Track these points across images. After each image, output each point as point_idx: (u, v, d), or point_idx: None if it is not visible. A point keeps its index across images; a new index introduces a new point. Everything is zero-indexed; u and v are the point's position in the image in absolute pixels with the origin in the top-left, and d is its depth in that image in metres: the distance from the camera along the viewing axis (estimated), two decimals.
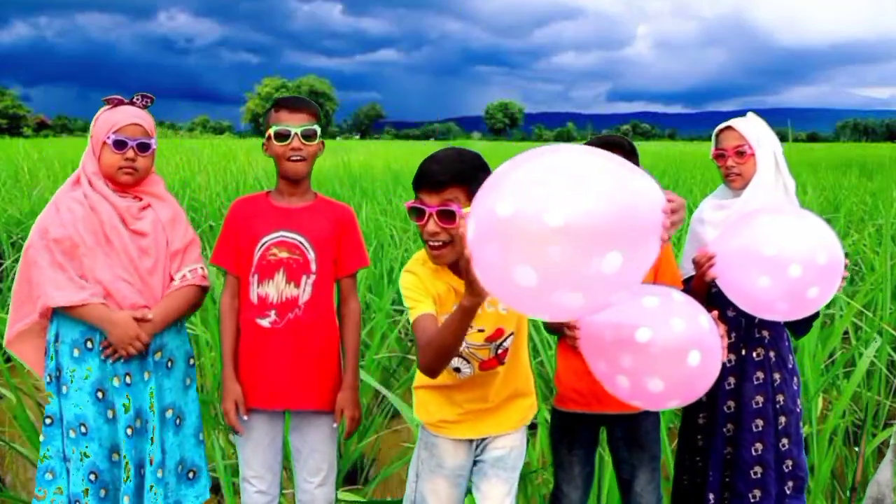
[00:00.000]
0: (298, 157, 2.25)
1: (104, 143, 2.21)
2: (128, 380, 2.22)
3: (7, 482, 3.59)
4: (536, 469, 3.03)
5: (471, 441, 2.09)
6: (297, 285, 2.25)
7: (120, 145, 2.20)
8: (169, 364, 2.30)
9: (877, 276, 4.94)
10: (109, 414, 2.21)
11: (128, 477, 2.20)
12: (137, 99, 2.28)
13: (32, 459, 3.26)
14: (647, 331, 1.87)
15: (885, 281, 4.49)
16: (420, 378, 2.11)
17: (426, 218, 1.84)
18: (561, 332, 2.20)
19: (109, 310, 2.17)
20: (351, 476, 3.60)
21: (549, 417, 2.50)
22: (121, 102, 2.26)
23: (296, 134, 2.23)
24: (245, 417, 2.26)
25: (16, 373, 3.63)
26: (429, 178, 1.84)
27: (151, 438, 2.23)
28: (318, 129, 2.29)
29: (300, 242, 2.26)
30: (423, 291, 1.92)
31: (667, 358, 1.87)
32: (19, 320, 2.29)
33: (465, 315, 1.62)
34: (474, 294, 1.51)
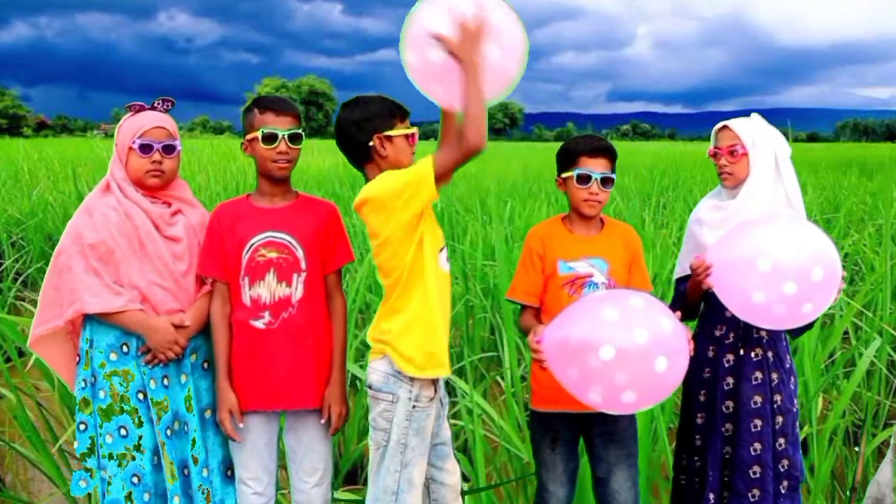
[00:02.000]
0: (285, 161, 2.25)
1: (130, 147, 2.23)
2: (165, 382, 2.25)
3: (7, 482, 3.59)
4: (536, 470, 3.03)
5: (440, 399, 2.21)
6: (289, 284, 2.25)
7: (146, 149, 2.22)
8: (205, 365, 2.33)
9: (877, 276, 4.94)
10: (151, 415, 2.23)
11: (174, 477, 2.24)
12: (158, 103, 2.31)
13: (32, 459, 3.27)
14: (610, 348, 1.85)
15: (885, 281, 4.49)
16: (402, 315, 2.12)
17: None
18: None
19: (148, 315, 2.19)
20: (351, 476, 3.61)
21: None
22: (143, 108, 2.29)
23: (283, 137, 2.23)
24: (241, 425, 2.27)
25: (16, 373, 3.63)
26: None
27: (193, 440, 2.27)
28: (303, 132, 2.31)
29: (288, 242, 2.26)
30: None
31: (634, 370, 1.86)
32: (42, 324, 2.30)
33: (476, 70, 1.96)
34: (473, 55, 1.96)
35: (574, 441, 2.39)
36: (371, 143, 2.11)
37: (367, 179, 2.16)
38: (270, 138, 2.22)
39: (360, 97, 2.19)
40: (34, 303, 5.68)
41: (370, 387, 2.14)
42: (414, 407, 2.10)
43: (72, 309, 2.19)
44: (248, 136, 2.25)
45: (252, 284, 2.25)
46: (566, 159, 2.33)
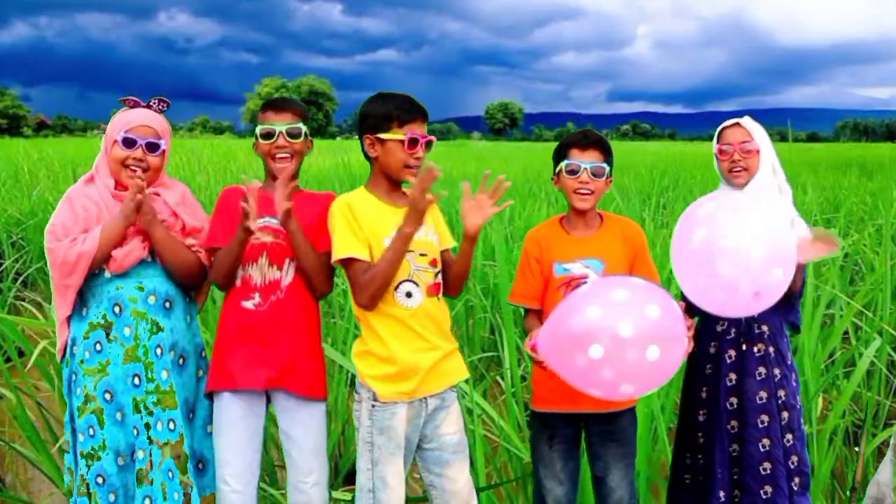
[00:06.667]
0: (284, 155, 2.30)
1: (115, 141, 2.26)
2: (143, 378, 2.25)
3: (7, 482, 3.59)
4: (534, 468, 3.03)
5: (420, 404, 2.18)
6: (280, 268, 2.29)
7: (129, 143, 2.25)
8: (181, 361, 2.34)
9: (877, 276, 4.94)
10: (118, 416, 2.22)
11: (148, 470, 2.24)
12: (154, 102, 2.34)
13: (32, 459, 3.27)
14: (598, 347, 1.85)
15: (885, 281, 4.49)
16: (365, 341, 2.18)
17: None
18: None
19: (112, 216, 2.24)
20: (351, 476, 3.60)
21: None
22: (137, 104, 2.32)
23: (280, 132, 2.29)
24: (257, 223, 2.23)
25: (16, 373, 3.63)
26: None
27: (181, 434, 2.28)
28: (304, 128, 2.34)
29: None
30: (358, 235, 2.14)
31: (625, 364, 1.86)
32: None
33: (405, 241, 2.04)
34: (416, 222, 2.01)
35: (574, 440, 2.39)
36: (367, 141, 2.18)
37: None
38: (268, 135, 2.30)
39: (383, 93, 2.23)
40: (34, 303, 5.69)
41: None
42: (374, 406, 2.14)
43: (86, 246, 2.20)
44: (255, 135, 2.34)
45: (244, 265, 2.28)
46: (558, 155, 2.35)
